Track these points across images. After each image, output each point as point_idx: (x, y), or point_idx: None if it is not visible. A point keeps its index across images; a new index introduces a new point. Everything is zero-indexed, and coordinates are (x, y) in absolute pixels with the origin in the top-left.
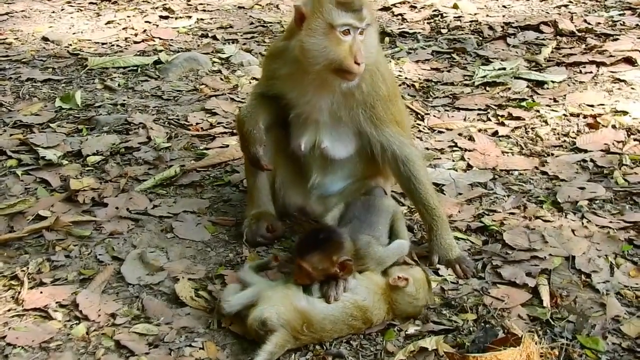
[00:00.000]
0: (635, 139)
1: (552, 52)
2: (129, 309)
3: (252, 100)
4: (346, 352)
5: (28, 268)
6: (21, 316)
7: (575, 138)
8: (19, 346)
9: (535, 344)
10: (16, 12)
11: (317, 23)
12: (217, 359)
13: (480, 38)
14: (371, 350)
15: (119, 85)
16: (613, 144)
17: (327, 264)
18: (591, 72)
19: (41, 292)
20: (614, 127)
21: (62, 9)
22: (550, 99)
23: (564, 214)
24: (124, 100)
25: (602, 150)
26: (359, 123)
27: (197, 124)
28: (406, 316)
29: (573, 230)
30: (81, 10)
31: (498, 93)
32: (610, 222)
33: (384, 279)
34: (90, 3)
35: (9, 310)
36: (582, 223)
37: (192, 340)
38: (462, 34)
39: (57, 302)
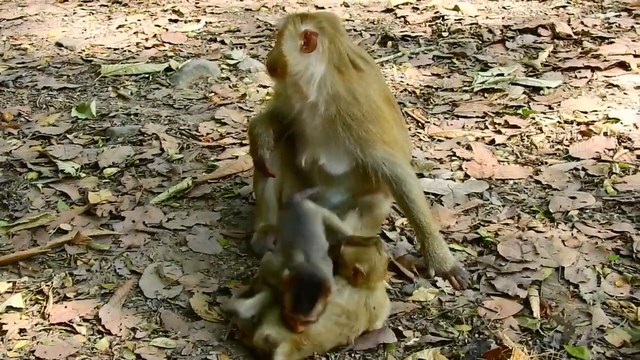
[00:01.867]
0: (625, 147)
1: (548, 56)
2: (148, 323)
3: (264, 112)
4: None
5: (52, 282)
6: (48, 330)
7: (568, 146)
8: None
9: (525, 355)
10: (30, 15)
11: None
12: None
13: (480, 42)
14: None
15: (131, 93)
16: (604, 152)
17: (325, 302)
18: (586, 77)
19: (65, 307)
20: (605, 134)
21: (74, 12)
22: (545, 105)
23: (555, 224)
24: (137, 110)
25: (593, 159)
26: (343, 141)
27: (207, 134)
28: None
29: (563, 241)
30: (93, 14)
31: (496, 100)
32: (599, 231)
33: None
34: (101, 5)
35: (36, 324)
36: (572, 233)
37: (207, 353)
38: (463, 37)
39: (80, 317)
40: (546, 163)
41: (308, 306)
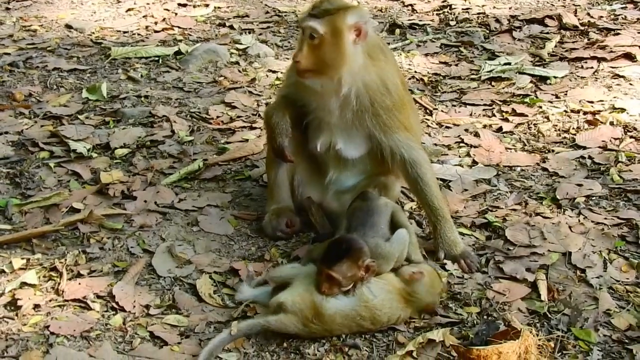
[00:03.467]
0: (631, 136)
1: (555, 46)
2: (161, 300)
3: (277, 99)
4: (361, 342)
5: (66, 260)
6: (62, 306)
7: (575, 134)
8: (62, 335)
9: (533, 336)
10: None
11: None
12: (243, 348)
13: (487, 31)
14: (384, 341)
15: (141, 76)
16: (610, 140)
17: (354, 269)
18: (592, 68)
19: (79, 284)
20: (611, 124)
21: None
22: (552, 94)
23: (562, 210)
24: (147, 92)
25: (600, 147)
26: (367, 128)
27: (217, 117)
28: (425, 308)
29: (570, 227)
30: None
31: (503, 88)
32: (605, 218)
33: (398, 279)
34: None
35: (50, 300)
36: (579, 220)
37: (219, 331)
38: (470, 26)
39: (94, 293)
40: (553, 151)
41: (334, 260)
